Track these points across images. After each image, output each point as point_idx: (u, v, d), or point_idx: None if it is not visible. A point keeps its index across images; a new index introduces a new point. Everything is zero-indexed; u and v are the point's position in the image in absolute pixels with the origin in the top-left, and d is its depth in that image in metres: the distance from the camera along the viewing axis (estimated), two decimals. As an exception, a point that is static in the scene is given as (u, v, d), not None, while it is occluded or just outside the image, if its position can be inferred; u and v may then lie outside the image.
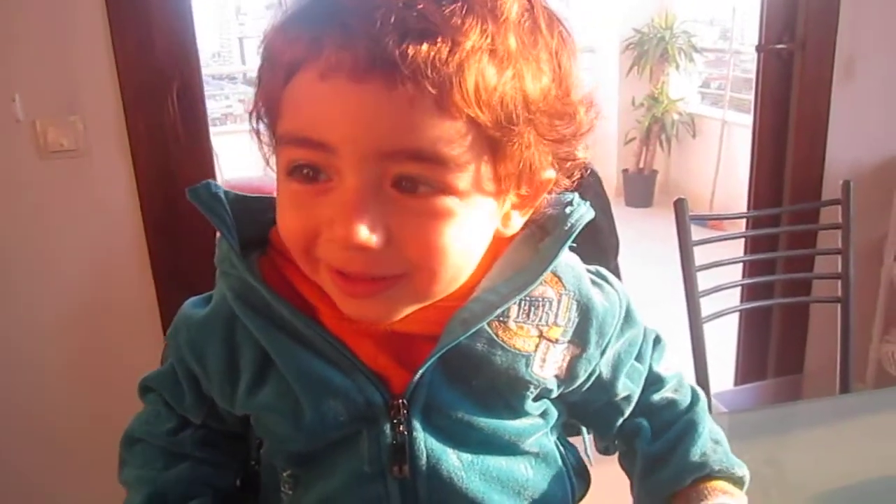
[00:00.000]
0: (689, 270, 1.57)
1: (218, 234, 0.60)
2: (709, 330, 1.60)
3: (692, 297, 1.58)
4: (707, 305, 1.60)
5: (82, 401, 1.79)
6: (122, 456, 0.68)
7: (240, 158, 3.67)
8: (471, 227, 0.51)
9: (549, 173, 0.55)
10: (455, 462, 0.59)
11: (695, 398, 0.70)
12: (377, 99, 0.46)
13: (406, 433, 0.58)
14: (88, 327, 1.76)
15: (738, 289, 2.02)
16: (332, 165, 0.49)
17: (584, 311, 0.61)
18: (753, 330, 2.34)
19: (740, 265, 2.07)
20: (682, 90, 5.17)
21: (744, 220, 2.27)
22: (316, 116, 0.48)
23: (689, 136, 5.15)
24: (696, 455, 0.66)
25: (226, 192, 0.61)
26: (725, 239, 1.76)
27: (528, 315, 0.59)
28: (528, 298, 0.59)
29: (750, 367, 2.38)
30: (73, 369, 1.78)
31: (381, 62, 0.45)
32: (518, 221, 0.58)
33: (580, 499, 0.69)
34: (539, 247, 0.58)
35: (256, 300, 0.58)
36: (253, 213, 0.61)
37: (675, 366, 0.72)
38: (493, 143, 0.49)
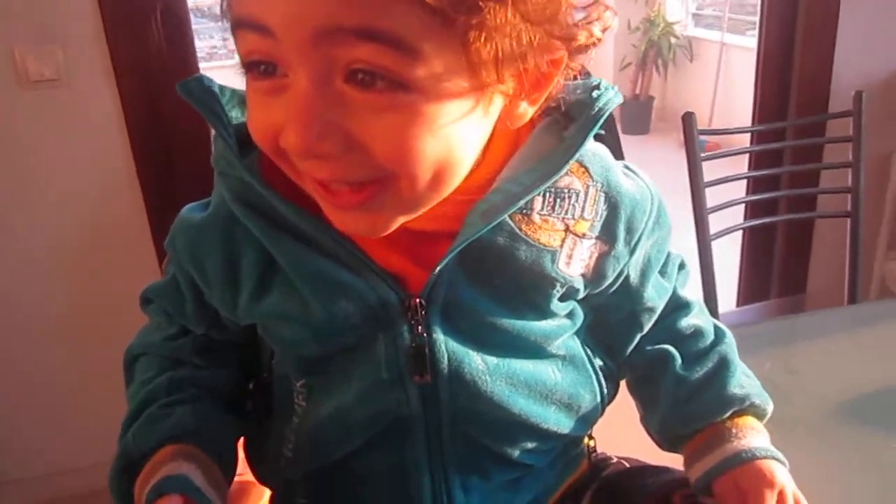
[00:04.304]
0: (697, 186, 1.54)
1: (213, 132, 0.55)
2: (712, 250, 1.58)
3: (700, 214, 1.55)
4: (711, 224, 1.57)
5: (74, 332, 1.77)
6: (124, 376, 0.65)
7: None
8: (446, 125, 0.45)
9: (556, 55, 0.48)
10: (479, 365, 0.56)
11: (720, 331, 0.67)
12: None
13: (425, 335, 0.54)
14: (79, 260, 1.73)
15: (742, 208, 1.99)
16: (280, 56, 0.44)
17: (613, 204, 0.57)
18: (757, 249, 2.32)
19: (743, 183, 2.03)
20: (678, 13, 5.04)
21: (746, 142, 2.21)
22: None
23: (687, 61, 5.05)
24: (734, 387, 0.63)
25: (221, 87, 0.56)
26: (731, 154, 1.71)
27: (553, 208, 0.55)
28: (552, 189, 0.54)
29: (753, 287, 2.36)
30: (65, 302, 1.75)
31: None
32: (527, 111, 0.51)
33: (609, 402, 0.66)
34: (564, 135, 0.54)
35: (257, 200, 0.53)
36: None
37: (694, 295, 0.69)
38: (458, 26, 0.42)
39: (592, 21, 0.48)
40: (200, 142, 1.72)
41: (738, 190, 1.91)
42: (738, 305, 2.39)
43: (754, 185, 2.05)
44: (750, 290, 2.37)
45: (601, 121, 0.53)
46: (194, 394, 0.60)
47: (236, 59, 0.49)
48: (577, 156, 0.53)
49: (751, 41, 4.54)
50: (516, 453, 0.60)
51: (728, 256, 2.24)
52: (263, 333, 0.60)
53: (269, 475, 0.65)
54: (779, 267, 2.31)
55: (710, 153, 1.60)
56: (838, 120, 1.72)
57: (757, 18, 2.17)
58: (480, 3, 0.41)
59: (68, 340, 1.77)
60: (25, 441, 1.83)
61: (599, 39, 0.49)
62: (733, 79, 4.61)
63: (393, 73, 0.42)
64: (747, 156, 2.07)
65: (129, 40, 1.60)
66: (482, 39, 0.43)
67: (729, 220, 1.69)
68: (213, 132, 0.55)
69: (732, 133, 1.78)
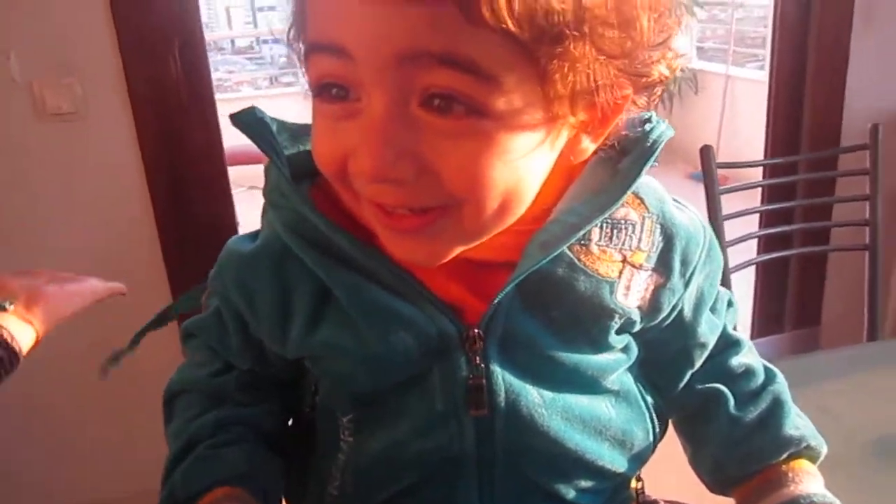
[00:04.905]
0: (716, 219, 1.54)
1: (265, 163, 0.55)
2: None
3: (720, 247, 1.54)
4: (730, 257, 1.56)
5: (86, 378, 1.73)
6: (164, 413, 0.64)
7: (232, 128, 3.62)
8: (516, 156, 0.45)
9: (624, 91, 0.48)
10: (536, 399, 0.55)
11: (770, 371, 0.66)
12: (394, 8, 0.41)
13: (483, 367, 0.53)
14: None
15: (755, 241, 1.98)
16: (356, 80, 0.44)
17: (668, 236, 0.57)
18: (771, 281, 2.31)
19: (754, 217, 2.03)
20: (684, 45, 5.08)
21: (757, 175, 2.21)
22: (332, 20, 0.44)
23: (692, 93, 5.08)
24: (790, 428, 0.62)
25: (272, 119, 0.56)
26: (749, 187, 1.72)
27: (610, 238, 0.55)
28: (610, 221, 0.55)
29: (767, 319, 2.35)
30: (77, 342, 1.72)
31: None
32: (589, 147, 0.52)
33: (659, 441, 0.65)
34: (618, 167, 0.54)
35: (311, 232, 0.53)
36: (298, 142, 0.57)
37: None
38: (538, 60, 0.42)
39: (659, 60, 0.48)
40: (216, 177, 1.71)
41: (750, 223, 1.90)
42: (751, 338, 2.38)
43: (768, 219, 2.05)
44: (764, 322, 2.36)
45: (656, 153, 0.54)
46: (241, 433, 0.59)
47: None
48: (633, 187, 0.53)
49: (755, 73, 4.58)
50: (570, 493, 0.59)
51: (741, 287, 2.23)
52: (313, 367, 0.59)
53: (312, 514, 0.64)
54: (793, 299, 2.30)
55: (726, 186, 1.60)
56: (850, 154, 1.72)
57: (760, 51, 2.19)
58: (564, 40, 0.41)
59: (77, 375, 1.74)
60: (32, 473, 1.79)
61: (667, 77, 0.49)
62: (739, 111, 4.63)
63: (471, 100, 0.43)
64: (759, 189, 2.07)
65: (147, 74, 1.61)
66: (563, 71, 0.43)
67: (743, 253, 1.68)
68: (265, 163, 0.55)
69: (749, 166, 1.79)
